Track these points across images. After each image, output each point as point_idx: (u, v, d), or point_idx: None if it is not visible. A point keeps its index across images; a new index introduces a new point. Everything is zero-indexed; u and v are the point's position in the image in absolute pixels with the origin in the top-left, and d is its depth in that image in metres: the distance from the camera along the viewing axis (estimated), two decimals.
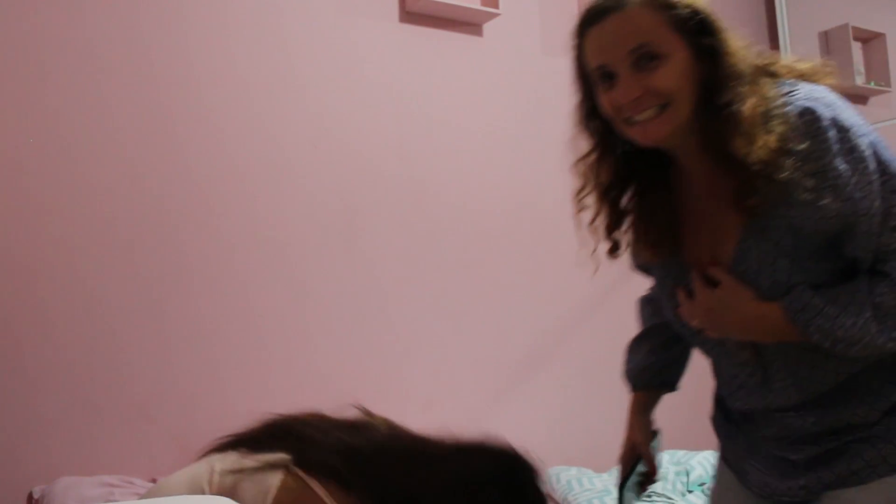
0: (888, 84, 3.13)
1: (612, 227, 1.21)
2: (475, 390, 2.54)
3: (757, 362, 1.15)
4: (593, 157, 1.20)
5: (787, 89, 1.06)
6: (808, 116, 1.01)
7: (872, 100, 3.22)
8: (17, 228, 1.90)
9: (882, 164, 1.02)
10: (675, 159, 1.17)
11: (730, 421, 1.30)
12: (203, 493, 1.10)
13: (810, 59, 1.14)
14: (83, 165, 1.99)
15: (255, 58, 2.24)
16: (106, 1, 2.04)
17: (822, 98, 1.03)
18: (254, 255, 2.20)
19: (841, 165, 1.00)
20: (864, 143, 1.01)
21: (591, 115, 1.17)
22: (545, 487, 1.16)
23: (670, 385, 1.43)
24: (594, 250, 1.23)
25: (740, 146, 1.03)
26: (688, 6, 1.07)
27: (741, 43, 1.09)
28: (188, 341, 2.10)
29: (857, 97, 3.22)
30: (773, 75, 1.10)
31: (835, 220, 1.02)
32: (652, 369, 1.41)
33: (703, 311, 1.14)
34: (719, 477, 1.37)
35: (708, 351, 1.23)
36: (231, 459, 1.16)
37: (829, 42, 3.19)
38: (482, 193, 2.57)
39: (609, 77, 1.09)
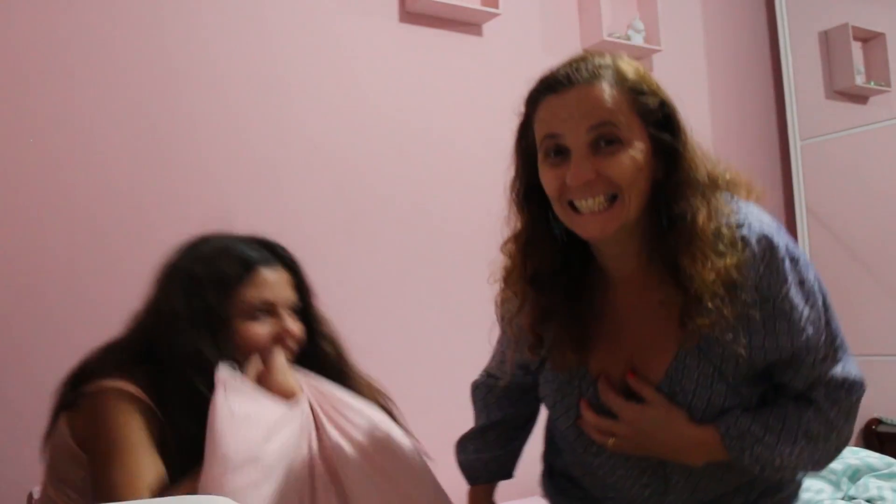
0: (888, 84, 3.13)
1: (537, 322, 1.08)
2: None
3: (658, 476, 1.08)
4: (523, 240, 1.08)
5: (731, 206, 1.00)
6: (766, 244, 0.96)
7: (872, 100, 3.21)
8: (20, 228, 1.90)
9: (822, 297, 1.00)
10: (600, 258, 1.06)
11: (567, 496, 1.21)
12: None
13: (742, 175, 1.07)
14: (87, 164, 1.99)
15: (254, 58, 2.24)
16: (96, 1, 2.05)
17: (769, 224, 0.99)
18: None
19: (796, 298, 0.96)
20: (811, 275, 0.98)
21: (528, 194, 1.06)
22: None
23: (510, 475, 1.37)
24: (514, 349, 1.11)
25: (695, 262, 0.94)
26: (655, 95, 0.98)
27: (699, 149, 1.01)
28: None
29: (858, 97, 3.22)
30: (717, 187, 1.03)
31: (786, 352, 0.98)
32: (498, 461, 1.34)
33: (630, 430, 1.03)
34: None
35: (599, 463, 1.11)
36: None
37: (829, 42, 3.19)
38: (483, 193, 2.57)
39: (559, 152, 0.98)
